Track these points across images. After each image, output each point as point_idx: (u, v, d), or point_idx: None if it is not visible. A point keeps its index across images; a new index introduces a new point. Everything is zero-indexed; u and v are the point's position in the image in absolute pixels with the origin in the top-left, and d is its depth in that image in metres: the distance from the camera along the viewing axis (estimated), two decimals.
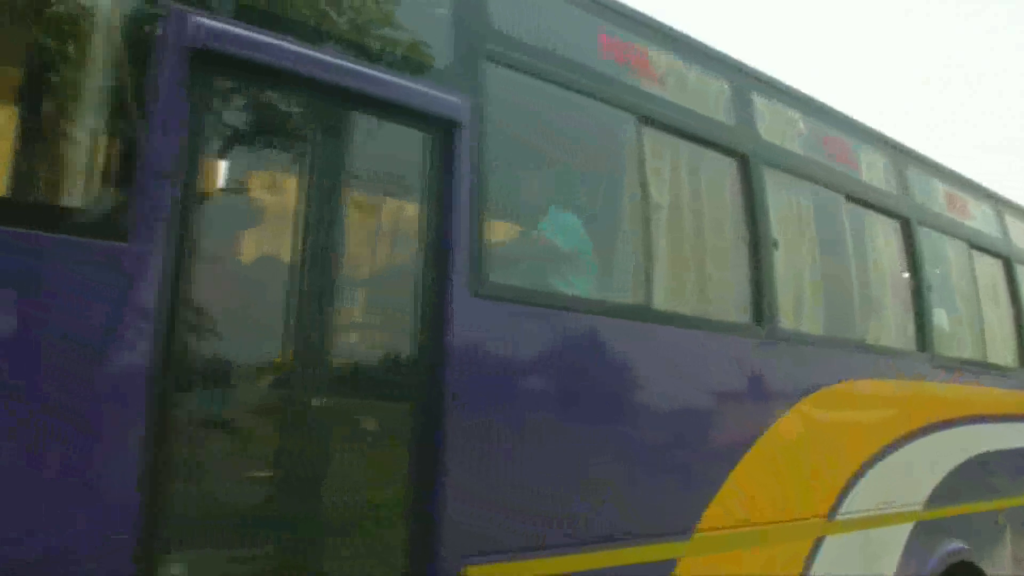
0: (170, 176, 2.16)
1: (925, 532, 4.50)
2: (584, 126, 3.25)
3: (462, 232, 2.67)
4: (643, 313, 3.21)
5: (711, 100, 3.81)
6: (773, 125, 4.11)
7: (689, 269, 3.58)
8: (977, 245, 5.54)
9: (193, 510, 2.18)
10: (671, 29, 3.68)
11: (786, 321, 3.93)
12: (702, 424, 3.40)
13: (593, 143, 3.29)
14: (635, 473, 3.05)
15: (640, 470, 3.07)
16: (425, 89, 2.69)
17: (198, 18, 2.23)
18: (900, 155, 5.06)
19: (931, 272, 4.98)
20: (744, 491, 3.45)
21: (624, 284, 3.34)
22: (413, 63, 2.74)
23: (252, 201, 2.51)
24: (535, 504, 2.73)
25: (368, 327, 2.74)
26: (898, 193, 4.94)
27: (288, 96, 2.53)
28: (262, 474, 2.39)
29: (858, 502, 4.06)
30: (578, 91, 3.18)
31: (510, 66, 2.96)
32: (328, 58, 2.49)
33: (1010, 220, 6.07)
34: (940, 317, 5.06)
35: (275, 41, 2.37)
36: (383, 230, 2.77)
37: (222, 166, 2.44)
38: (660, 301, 3.32)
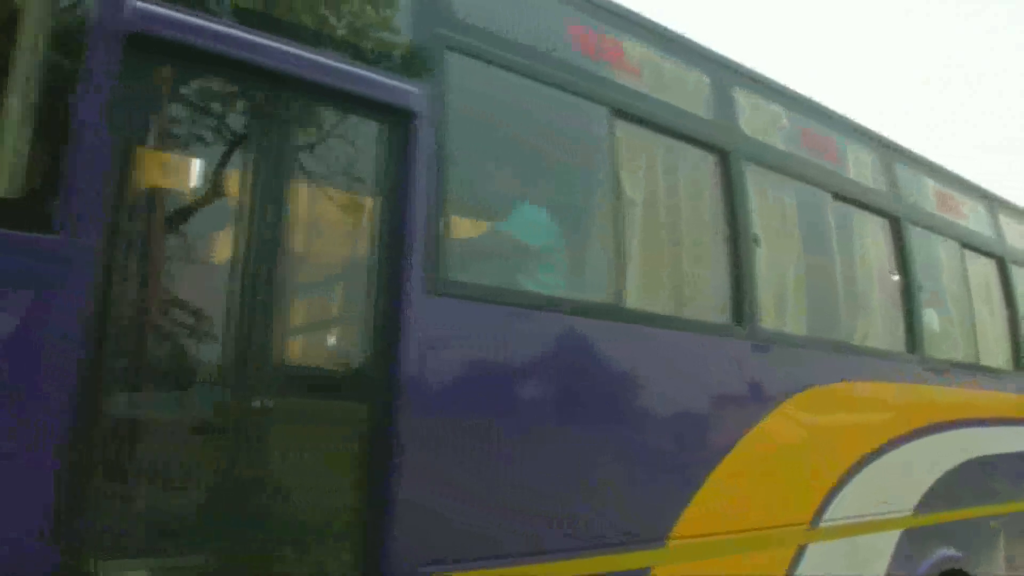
0: (103, 167, 2.06)
1: (914, 539, 4.37)
2: (554, 118, 3.13)
3: (418, 227, 2.56)
4: (614, 312, 3.09)
5: (690, 94, 3.70)
6: (755, 120, 4.00)
7: (665, 267, 3.47)
8: (970, 245, 5.41)
9: (122, 517, 2.08)
10: (647, 20, 3.57)
11: (768, 321, 3.81)
12: (677, 427, 3.27)
13: (564, 136, 3.17)
14: (604, 477, 2.92)
15: (610, 474, 2.95)
16: (379, 77, 2.58)
17: (135, 0, 2.13)
18: (889, 152, 4.94)
19: (921, 272, 4.85)
20: (722, 497, 3.32)
21: (597, 282, 3.21)
22: (368, 51, 2.63)
23: (193, 194, 2.40)
24: (496, 510, 2.61)
25: (319, 325, 2.63)
26: (887, 191, 4.82)
27: (232, 84, 2.42)
28: (200, 480, 2.27)
29: (843, 508, 3.93)
30: (546, 82, 3.07)
31: (473, 55, 2.85)
32: (275, 44, 2.38)
33: (1004, 219, 5.94)
34: (931, 318, 4.93)
35: (217, 26, 2.27)
36: (336, 225, 2.66)
37: (160, 157, 2.33)
38: (634, 300, 3.20)
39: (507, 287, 2.91)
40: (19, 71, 2.07)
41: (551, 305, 2.92)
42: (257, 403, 2.31)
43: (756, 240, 3.75)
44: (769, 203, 3.95)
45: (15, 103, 2.07)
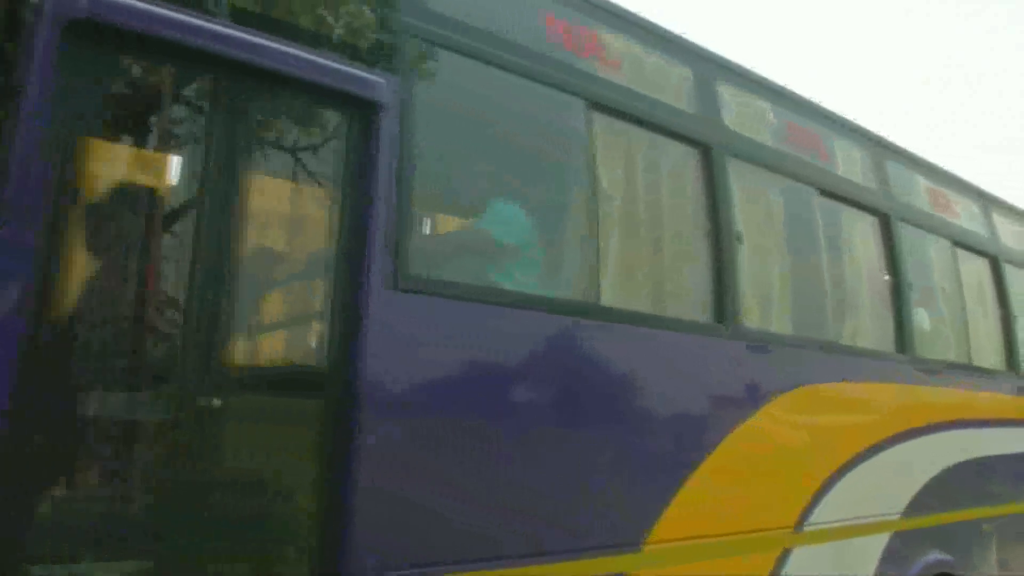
0: (45, 158, 1.98)
1: (903, 543, 4.28)
2: (529, 111, 3.05)
3: (381, 221, 2.47)
4: (590, 310, 3.01)
5: (671, 88, 3.62)
6: (739, 115, 3.92)
7: (645, 265, 3.38)
8: (962, 243, 5.32)
9: (62, 519, 2.00)
10: (627, 12, 3.49)
11: (752, 320, 3.73)
12: (655, 428, 3.18)
13: (539, 130, 3.09)
14: (576, 479, 2.82)
15: (582, 476, 2.85)
16: (343, 67, 2.50)
17: None
18: (879, 149, 4.86)
19: (912, 271, 4.76)
20: (702, 501, 3.24)
21: (572, 280, 3.13)
22: (332, 40, 2.54)
23: (143, 187, 2.31)
24: (461, 513, 2.52)
25: (277, 321, 2.54)
26: (877, 188, 4.73)
27: (184, 73, 2.34)
28: (147, 481, 2.19)
29: (829, 512, 3.83)
30: (521, 74, 2.98)
31: (443, 46, 2.77)
32: (229, 31, 2.29)
33: (997, 218, 5.85)
34: (921, 317, 4.84)
35: (167, 12, 2.18)
36: (297, 218, 2.57)
37: (108, 148, 2.24)
38: (610, 298, 3.12)
39: (476, 283, 2.82)
40: None
41: (522, 302, 2.83)
42: (208, 401, 2.23)
43: (739, 237, 3.67)
44: (753, 199, 3.87)
45: None
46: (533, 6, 3.13)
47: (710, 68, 3.83)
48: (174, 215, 2.38)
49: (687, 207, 3.57)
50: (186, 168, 2.36)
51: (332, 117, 2.54)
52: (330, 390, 2.38)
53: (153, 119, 2.36)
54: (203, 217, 2.27)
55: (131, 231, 2.32)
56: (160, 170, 2.34)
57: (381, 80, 2.55)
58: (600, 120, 3.23)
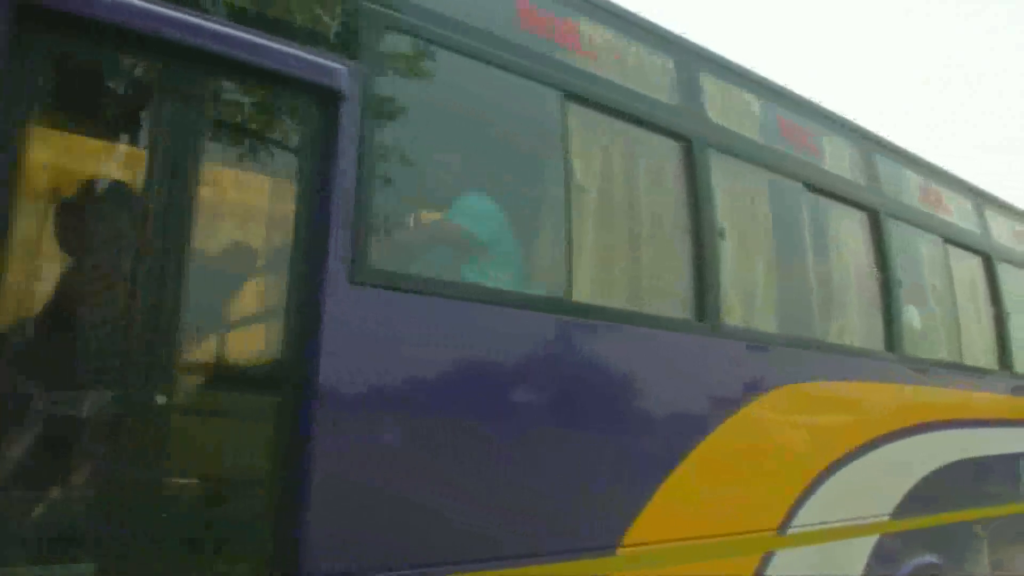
0: None
1: (891, 545, 4.19)
2: (500, 101, 2.96)
3: (342, 213, 2.39)
4: (562, 306, 2.92)
5: (652, 79, 3.53)
6: (723, 108, 3.83)
7: (621, 260, 3.29)
8: (954, 240, 5.23)
9: (3, 521, 1.91)
10: (604, 2, 3.40)
11: (735, 318, 3.64)
12: (630, 427, 3.08)
13: (510, 120, 3.00)
14: (545, 479, 2.73)
15: (552, 476, 2.76)
16: (303, 54, 2.41)
17: None
18: (869, 144, 4.77)
19: (902, 268, 4.67)
20: (681, 502, 3.15)
21: (544, 275, 3.05)
22: (291, 26, 2.45)
23: (91, 178, 2.23)
24: (423, 517, 2.43)
25: (232, 316, 2.46)
26: (866, 184, 4.64)
27: (136, 60, 2.25)
28: (94, 481, 2.10)
29: (815, 514, 3.74)
30: (491, 63, 2.89)
31: (409, 33, 2.69)
32: (185, 17, 2.20)
33: (990, 215, 5.76)
34: (911, 315, 4.75)
35: None
36: (254, 211, 2.49)
37: (56, 138, 2.16)
38: (585, 293, 3.03)
39: (442, 278, 2.73)
40: None
41: (490, 297, 2.74)
42: (157, 398, 2.14)
43: (721, 233, 3.58)
44: (737, 194, 3.78)
45: None
46: None
47: (693, 60, 3.75)
48: (125, 207, 2.30)
49: (667, 202, 3.48)
50: (138, 159, 2.27)
51: (290, 106, 2.46)
52: (287, 387, 2.30)
53: (104, 108, 2.28)
54: (155, 209, 2.18)
55: (79, 223, 2.24)
56: (110, 161, 2.26)
57: (342, 68, 2.46)
58: (576, 111, 3.14)
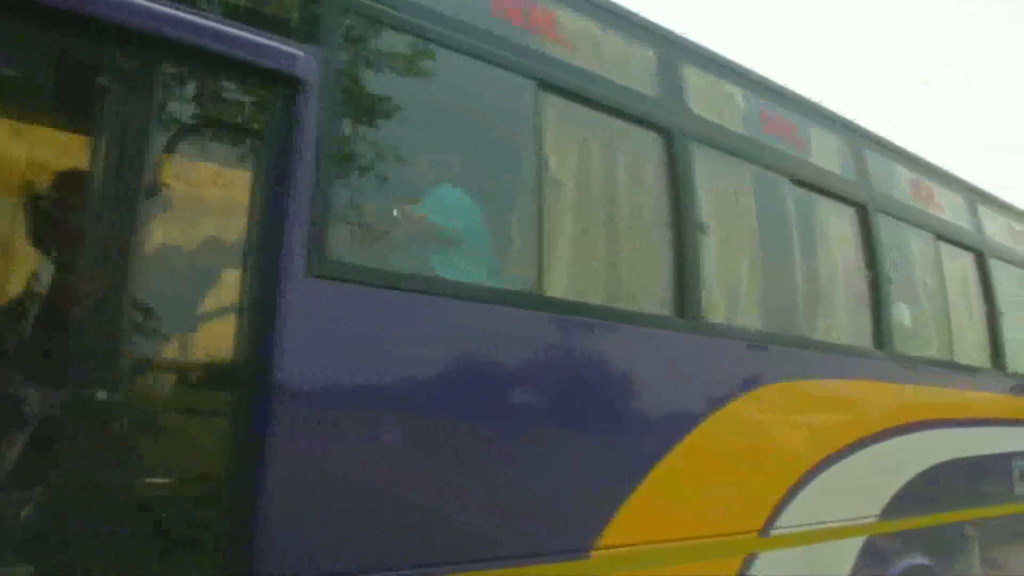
0: None
1: (879, 547, 4.10)
2: (469, 89, 2.88)
3: (301, 204, 2.30)
4: (534, 301, 2.83)
5: (631, 69, 3.44)
6: (706, 100, 3.74)
7: (598, 254, 3.19)
8: (945, 237, 5.14)
9: None
10: None
11: (717, 314, 3.55)
12: (606, 427, 2.99)
13: (480, 109, 2.91)
14: (513, 480, 2.64)
15: (523, 475, 2.67)
16: (260, 40, 2.32)
17: None
18: (858, 138, 4.68)
19: (891, 264, 4.58)
20: (658, 503, 3.06)
21: (516, 269, 2.95)
22: (247, 9, 2.36)
23: (37, 169, 2.14)
24: (385, 520, 2.35)
25: (188, 310, 2.37)
26: (855, 178, 4.55)
27: (83, 44, 2.16)
28: (40, 482, 2.02)
29: (800, 515, 3.65)
30: (461, 50, 2.81)
31: (373, 18, 2.60)
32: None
33: (983, 211, 5.67)
34: (901, 313, 4.66)
35: None
36: (209, 202, 2.41)
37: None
38: (558, 288, 2.94)
39: (410, 272, 2.64)
40: None
41: (458, 292, 2.65)
42: (105, 395, 2.06)
43: (703, 227, 3.49)
44: (720, 188, 3.69)
45: None
46: None
47: (675, 50, 3.66)
48: (74, 199, 2.22)
49: (647, 195, 3.39)
50: (88, 150, 2.18)
51: (247, 93, 2.38)
52: (243, 384, 2.21)
53: (48, 95, 2.19)
54: (103, 202, 2.10)
55: (23, 215, 2.15)
56: (54, 151, 2.17)
57: (302, 54, 2.38)
58: (551, 102, 3.06)
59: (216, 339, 2.36)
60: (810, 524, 3.73)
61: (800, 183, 4.10)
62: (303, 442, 2.23)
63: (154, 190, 2.19)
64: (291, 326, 2.24)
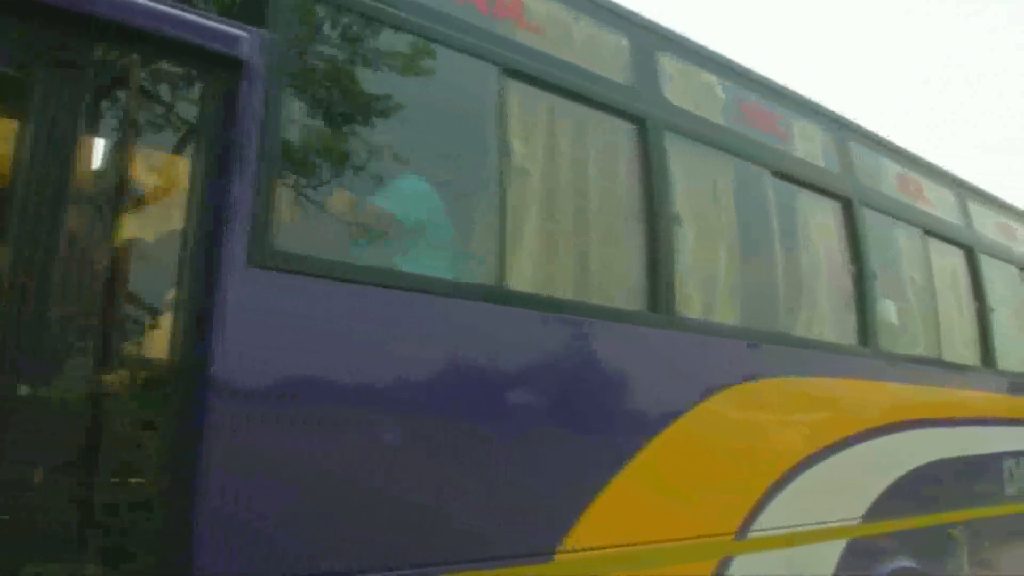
0: None
1: (862, 550, 3.99)
2: (427, 74, 2.76)
3: (243, 191, 2.20)
4: (496, 294, 2.73)
5: (604, 57, 3.34)
6: (683, 89, 3.64)
7: (566, 247, 3.09)
8: (934, 232, 5.03)
9: None
10: None
11: (693, 309, 3.45)
12: (573, 425, 2.88)
13: (438, 95, 2.80)
14: (471, 480, 2.53)
15: (479, 477, 2.56)
16: (199, 20, 2.22)
17: None
18: (842, 130, 4.57)
19: (877, 260, 4.47)
20: (628, 505, 2.95)
21: (481, 262, 2.84)
22: None
23: None
24: (331, 522, 2.23)
25: (120, 300, 2.25)
26: (839, 171, 4.44)
27: (9, 22, 2.05)
28: None
29: (778, 517, 3.54)
30: (420, 33, 2.71)
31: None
32: None
33: (973, 207, 5.56)
34: (887, 310, 4.55)
35: None
36: (142, 190, 2.30)
37: None
38: (522, 281, 2.84)
39: (362, 263, 2.54)
40: None
41: (413, 284, 2.54)
42: (29, 390, 1.95)
43: (677, 219, 3.39)
44: (697, 179, 3.59)
45: None
46: None
47: (650, 39, 3.56)
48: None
49: (619, 185, 3.29)
50: (12, 136, 2.07)
51: (185, 75, 2.27)
52: (180, 377, 2.11)
53: None
54: (33, 190, 2.00)
55: None
56: None
57: (244, 34, 2.27)
58: (517, 89, 2.95)
59: (153, 331, 2.26)
60: (789, 526, 3.62)
61: (782, 176, 3.99)
62: (243, 438, 2.13)
63: (87, 178, 2.09)
64: (232, 318, 2.14)
